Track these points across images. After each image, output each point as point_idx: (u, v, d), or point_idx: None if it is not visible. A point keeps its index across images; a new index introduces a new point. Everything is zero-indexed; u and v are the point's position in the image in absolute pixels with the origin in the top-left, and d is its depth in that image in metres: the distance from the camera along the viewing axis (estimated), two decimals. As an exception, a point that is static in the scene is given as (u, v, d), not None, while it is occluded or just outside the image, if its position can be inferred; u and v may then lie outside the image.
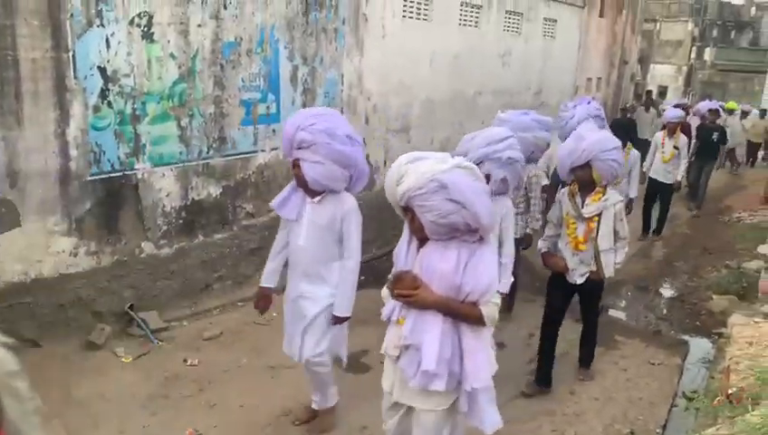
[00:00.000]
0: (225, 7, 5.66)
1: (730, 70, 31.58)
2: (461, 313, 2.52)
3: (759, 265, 6.24)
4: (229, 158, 5.98)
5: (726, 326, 5.04)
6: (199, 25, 5.46)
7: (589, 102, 6.76)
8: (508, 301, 5.86)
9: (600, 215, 4.35)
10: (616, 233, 4.43)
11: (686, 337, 6.01)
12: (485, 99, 10.03)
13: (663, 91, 29.32)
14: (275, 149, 6.38)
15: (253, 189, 6.26)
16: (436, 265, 2.50)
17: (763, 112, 17.89)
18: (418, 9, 8.23)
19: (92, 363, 4.73)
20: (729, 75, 31.38)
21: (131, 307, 5.28)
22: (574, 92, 13.48)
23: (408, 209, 2.53)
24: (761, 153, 17.90)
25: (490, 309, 2.53)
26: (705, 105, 12.75)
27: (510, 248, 4.35)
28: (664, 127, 9.09)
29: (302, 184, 3.49)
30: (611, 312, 6.51)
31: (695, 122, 12.13)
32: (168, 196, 5.52)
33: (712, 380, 4.58)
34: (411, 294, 2.51)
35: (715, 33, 34.62)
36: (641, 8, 18.95)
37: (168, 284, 5.61)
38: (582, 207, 4.36)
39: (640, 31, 20.30)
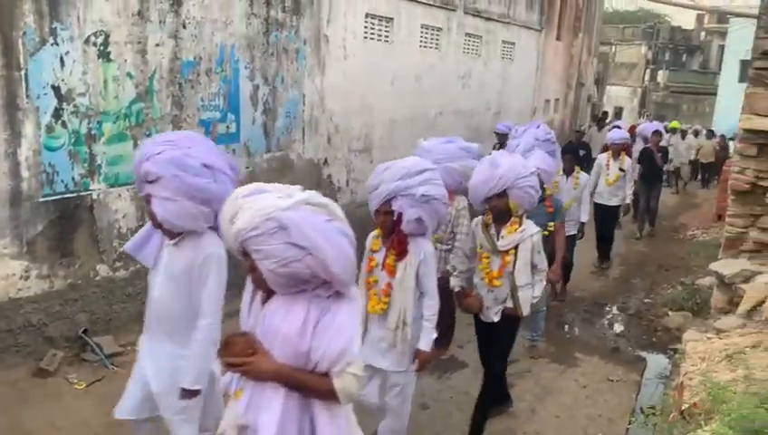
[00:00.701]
0: (185, 27, 5.62)
1: (682, 92, 32.66)
2: (308, 386, 2.04)
3: (711, 282, 6.39)
4: (188, 178, 5.90)
5: (681, 342, 5.14)
6: (157, 45, 5.41)
7: (538, 126, 6.61)
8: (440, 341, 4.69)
9: (516, 247, 3.98)
10: (534, 266, 4.07)
11: (643, 353, 6.12)
12: (446, 119, 10.15)
13: (619, 112, 30.11)
14: (235, 169, 6.31)
15: (212, 210, 6.19)
16: (278, 326, 2.03)
17: (710, 133, 18.23)
18: (380, 31, 8.31)
19: (44, 391, 4.57)
20: (681, 97, 32.44)
21: (85, 332, 5.13)
22: (532, 114, 13.74)
23: (246, 254, 2.05)
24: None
25: (345, 381, 2.02)
26: (648, 127, 12.26)
27: (432, 299, 3.49)
28: (607, 148, 8.75)
29: (156, 224, 2.94)
30: (568, 328, 6.58)
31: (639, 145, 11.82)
32: (124, 217, 5.41)
33: (668, 395, 4.66)
34: (243, 362, 2.03)
35: (667, 56, 35.81)
36: (597, 32, 19.50)
37: (124, 307, 5.48)
38: (497, 239, 4.01)
39: (596, 53, 20.87)
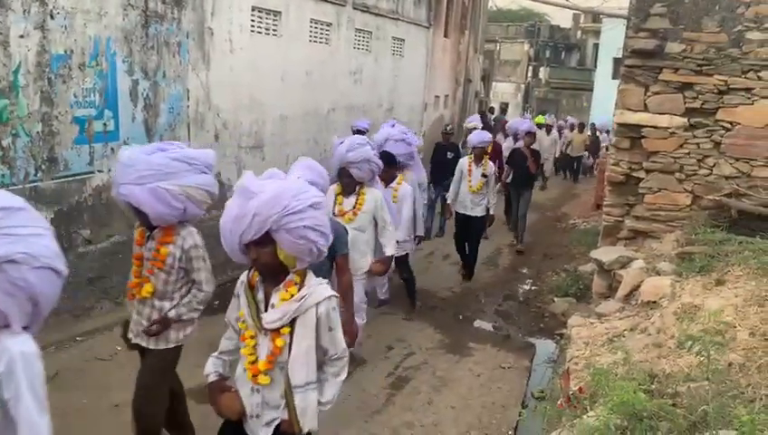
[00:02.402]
0: (53, 17, 5.20)
1: (562, 87, 34.49)
2: None
3: (593, 268, 6.77)
4: (61, 180, 5.49)
5: (567, 327, 5.41)
6: (21, 36, 4.97)
7: (393, 125, 6.53)
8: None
9: (293, 323, 2.47)
10: (324, 352, 2.56)
11: (532, 340, 6.38)
12: (339, 115, 10.10)
13: (504, 108, 31.35)
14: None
15: (89, 213, 5.79)
16: None
17: (581, 126, 18.46)
18: (267, 24, 8.11)
19: None
20: (561, 93, 34.24)
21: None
22: (424, 109, 13.98)
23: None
24: (593, 163, 18.33)
25: None
26: (519, 124, 11.11)
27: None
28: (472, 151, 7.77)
29: None
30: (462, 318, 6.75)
31: (508, 144, 11.08)
32: (-12, 224, 4.93)
33: (556, 381, 4.87)
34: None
35: (548, 53, 37.65)
36: (482, 29, 20.15)
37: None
38: (265, 309, 2.52)
39: (482, 51, 21.58)
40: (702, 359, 2.91)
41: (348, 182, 4.93)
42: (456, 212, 7.73)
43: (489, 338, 6.27)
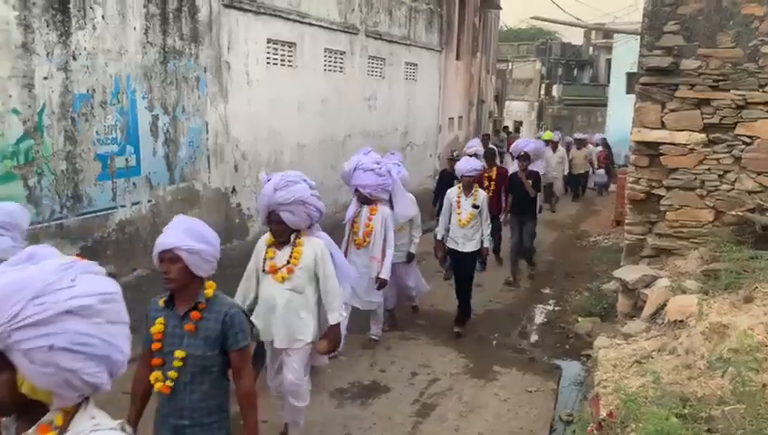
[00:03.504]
0: (75, 58, 5.34)
1: (576, 104, 34.45)
2: None
3: (616, 287, 6.71)
4: (85, 216, 5.59)
5: (593, 348, 5.34)
6: (45, 78, 5.11)
7: (367, 153, 5.93)
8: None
9: None
10: None
11: (558, 362, 6.29)
12: (355, 141, 10.18)
13: (518, 127, 31.36)
14: (137, 203, 6.05)
15: (113, 248, 5.88)
16: None
17: (580, 143, 16.72)
18: (283, 56, 8.24)
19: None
20: (575, 109, 34.16)
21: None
22: (438, 132, 14.04)
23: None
24: (596, 180, 17.57)
25: None
26: (521, 145, 9.75)
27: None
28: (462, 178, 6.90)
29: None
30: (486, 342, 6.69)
31: (515, 167, 9.32)
32: (16, 262, 5.02)
33: (584, 402, 4.80)
34: None
35: (560, 71, 37.70)
36: (494, 50, 20.27)
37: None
38: None
39: (495, 71, 21.67)
40: (734, 380, 2.86)
41: (278, 230, 3.90)
42: (449, 249, 6.87)
43: (514, 361, 6.20)
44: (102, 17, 5.56)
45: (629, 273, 5.96)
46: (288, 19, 8.18)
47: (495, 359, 6.21)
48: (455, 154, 9.33)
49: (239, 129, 7.44)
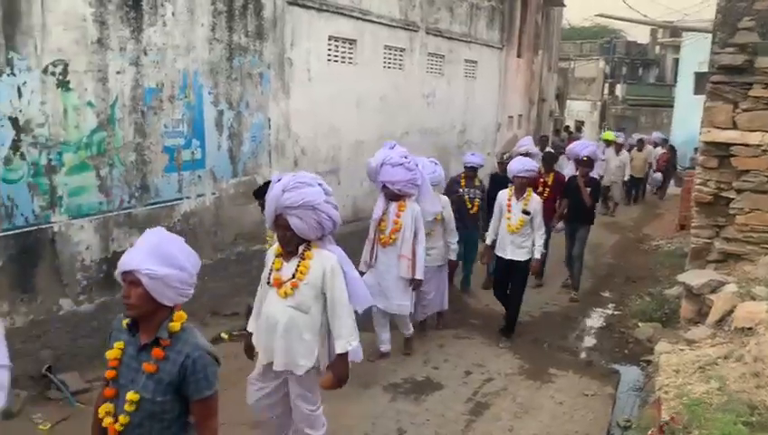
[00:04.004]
0: (146, 53, 5.53)
1: (640, 104, 33.44)
2: None
3: (679, 292, 6.50)
4: (153, 206, 5.79)
5: (653, 353, 5.20)
6: (118, 72, 5.31)
7: (393, 147, 5.65)
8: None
9: None
10: None
11: (616, 366, 6.16)
12: (413, 138, 10.17)
13: (580, 126, 30.69)
14: (201, 195, 6.23)
15: (179, 238, 6.07)
16: None
17: (640, 143, 15.83)
18: (344, 53, 8.32)
19: (7, 434, 4.38)
20: (640, 109, 33.18)
21: (49, 369, 4.95)
22: (497, 130, 13.90)
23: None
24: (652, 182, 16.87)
25: None
26: (579, 147, 8.90)
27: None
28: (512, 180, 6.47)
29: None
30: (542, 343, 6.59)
31: (569, 170, 8.85)
32: (87, 249, 5.26)
33: (643, 408, 4.68)
34: None
35: (624, 70, 36.66)
36: (556, 48, 19.90)
37: (90, 342, 5.30)
38: None
39: (556, 69, 21.28)
40: (807, 391, 2.74)
41: (285, 237, 3.49)
42: (497, 256, 6.49)
43: (571, 364, 6.10)
44: (172, 14, 5.74)
45: (695, 277, 5.77)
46: (350, 16, 8.25)
47: (551, 361, 6.13)
48: (504, 157, 8.49)
49: (300, 124, 7.55)
